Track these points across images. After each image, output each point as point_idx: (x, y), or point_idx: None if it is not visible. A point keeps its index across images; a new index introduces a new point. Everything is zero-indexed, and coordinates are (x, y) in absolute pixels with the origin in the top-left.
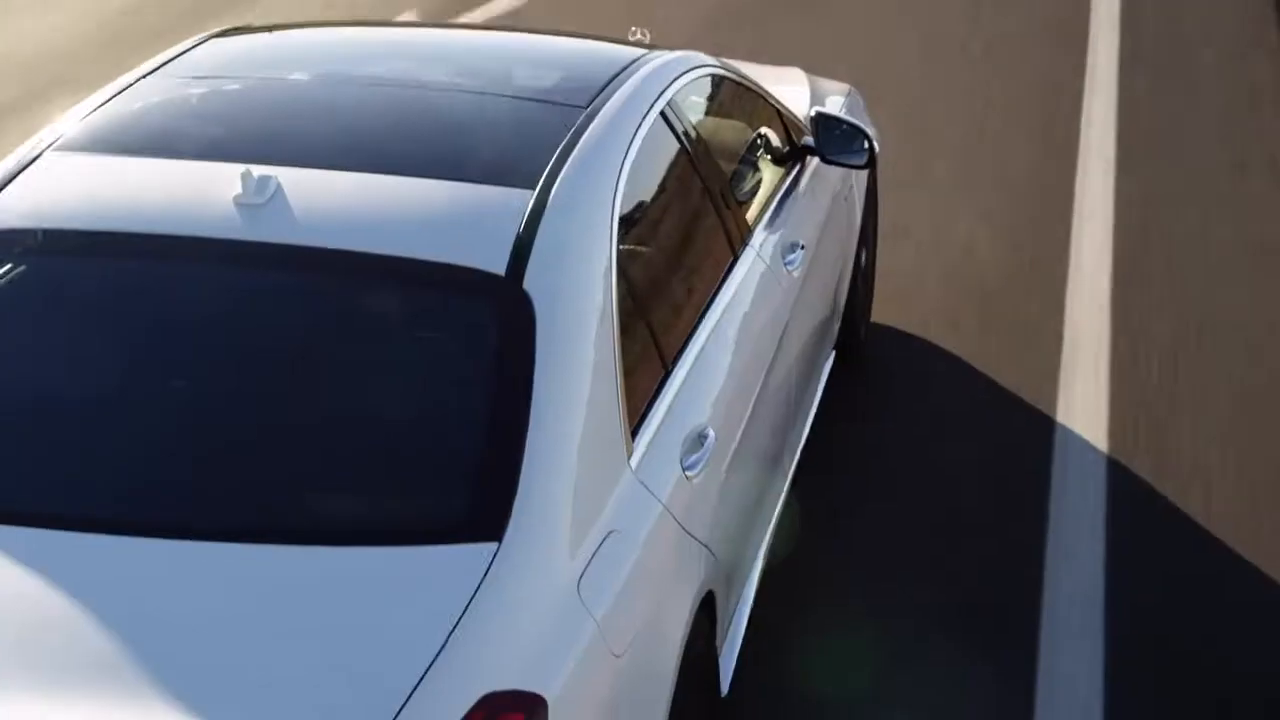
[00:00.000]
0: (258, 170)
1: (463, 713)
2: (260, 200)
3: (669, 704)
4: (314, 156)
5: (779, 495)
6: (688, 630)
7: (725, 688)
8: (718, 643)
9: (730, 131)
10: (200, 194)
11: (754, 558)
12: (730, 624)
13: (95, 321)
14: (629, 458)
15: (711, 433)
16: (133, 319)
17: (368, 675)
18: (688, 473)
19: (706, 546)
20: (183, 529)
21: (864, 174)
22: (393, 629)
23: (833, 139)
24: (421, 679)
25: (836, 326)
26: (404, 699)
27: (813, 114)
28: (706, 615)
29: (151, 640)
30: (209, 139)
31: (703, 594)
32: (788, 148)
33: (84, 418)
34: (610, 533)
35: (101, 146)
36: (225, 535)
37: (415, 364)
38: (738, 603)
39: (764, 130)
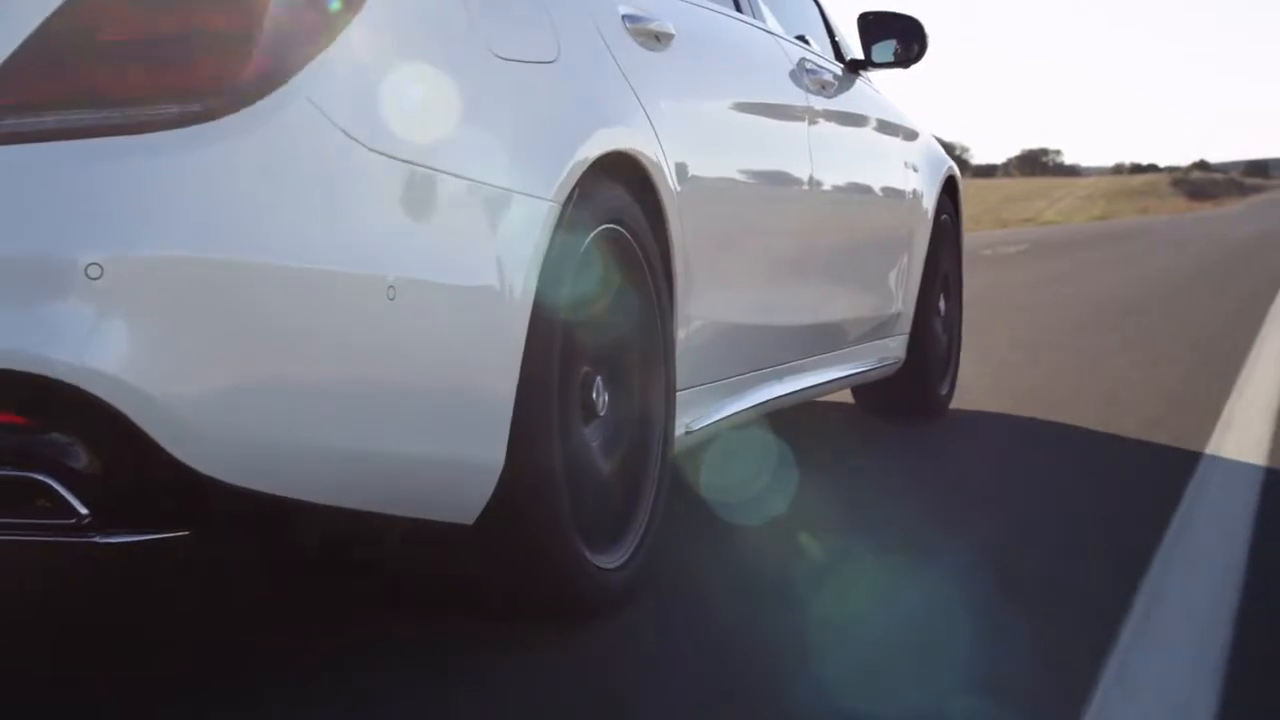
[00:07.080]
0: None
1: None
2: None
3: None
4: None
5: (785, 351)
6: (580, 162)
7: (685, 428)
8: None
9: None
10: None
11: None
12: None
13: None
14: None
15: (671, 24)
16: None
17: None
18: (628, 25)
19: (646, 113)
20: None
21: (936, 173)
22: None
23: (879, 37)
24: None
25: (899, 305)
26: None
27: (859, 15)
28: (638, 207)
29: None
30: None
31: (616, 149)
32: (834, 56)
33: None
34: None
35: None
36: None
37: None
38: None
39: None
